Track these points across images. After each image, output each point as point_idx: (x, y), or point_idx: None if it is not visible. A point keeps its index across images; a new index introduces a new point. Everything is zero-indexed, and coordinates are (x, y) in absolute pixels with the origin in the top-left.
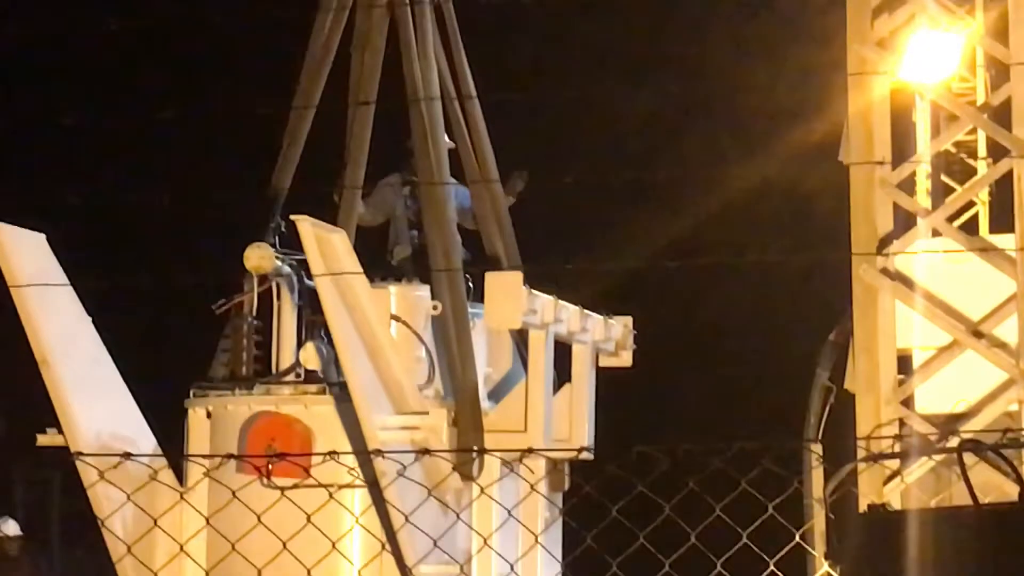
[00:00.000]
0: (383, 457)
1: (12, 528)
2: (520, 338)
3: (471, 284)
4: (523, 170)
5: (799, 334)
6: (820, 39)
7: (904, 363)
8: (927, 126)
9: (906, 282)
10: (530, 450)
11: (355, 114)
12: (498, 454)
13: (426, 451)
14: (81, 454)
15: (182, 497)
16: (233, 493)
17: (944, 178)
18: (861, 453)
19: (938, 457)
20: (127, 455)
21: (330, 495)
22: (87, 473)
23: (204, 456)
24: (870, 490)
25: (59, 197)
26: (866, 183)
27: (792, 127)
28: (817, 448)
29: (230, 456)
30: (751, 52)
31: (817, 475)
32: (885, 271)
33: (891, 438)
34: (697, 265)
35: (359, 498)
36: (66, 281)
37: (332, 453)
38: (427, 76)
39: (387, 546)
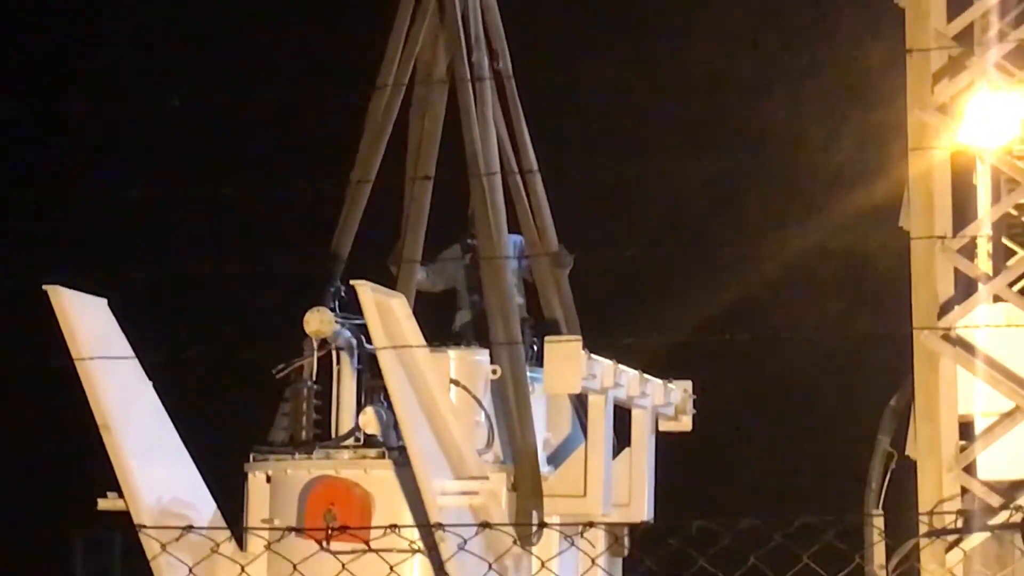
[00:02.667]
0: (443, 530)
1: None
2: (579, 402)
3: (535, 348)
4: (564, 245)
5: (859, 399)
6: (881, 102)
7: (966, 429)
8: (988, 190)
9: (967, 348)
10: (591, 524)
11: (413, 186)
12: (558, 526)
13: (487, 524)
14: (144, 527)
15: (243, 569)
16: (294, 566)
17: (1005, 240)
18: (923, 527)
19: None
20: (189, 528)
21: (391, 568)
22: (149, 545)
23: (265, 528)
24: (933, 564)
25: (121, 267)
26: (927, 251)
27: (853, 190)
28: (879, 522)
29: (290, 529)
30: (810, 115)
31: (879, 547)
32: (946, 337)
33: (953, 513)
34: (757, 333)
35: (419, 563)
36: (127, 345)
37: (393, 527)
38: (487, 147)
39: None
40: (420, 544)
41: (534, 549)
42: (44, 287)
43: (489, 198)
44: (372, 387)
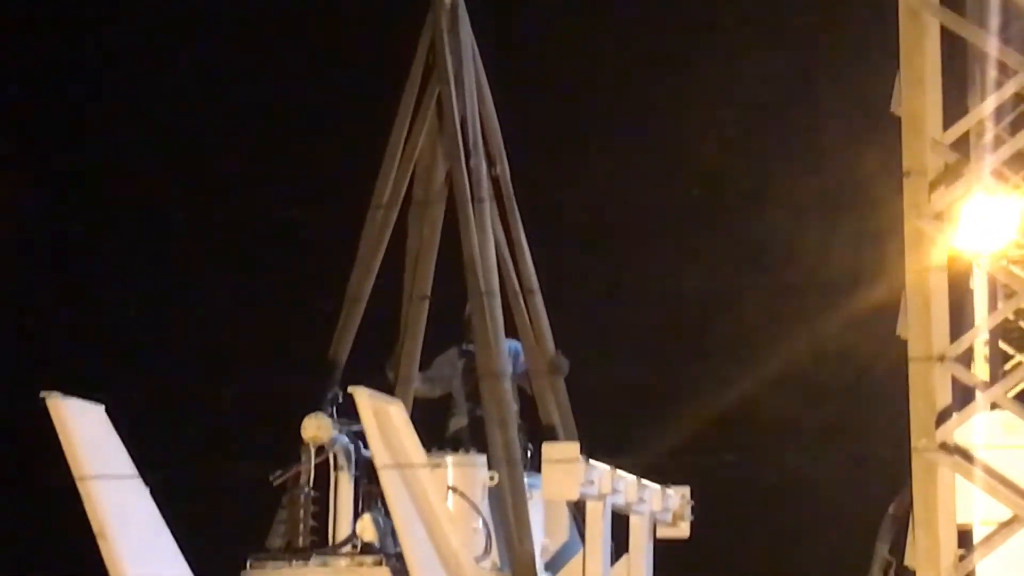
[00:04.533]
0: None
1: None
2: (577, 508)
3: (530, 453)
4: (560, 351)
5: (858, 506)
6: (876, 203)
7: (964, 538)
8: (984, 295)
9: (965, 456)
10: None
11: (410, 305)
12: None
13: None
14: None
15: None
16: None
17: (1003, 345)
18: None
19: None
20: None
21: None
22: None
23: None
24: None
25: (122, 374)
26: (924, 363)
27: (851, 292)
28: None
29: None
30: (807, 215)
31: None
32: (944, 445)
33: None
34: (753, 437)
35: None
36: (124, 453)
37: None
38: (487, 263)
39: None
40: None
41: None
42: (43, 395)
43: (488, 312)
44: (369, 493)
